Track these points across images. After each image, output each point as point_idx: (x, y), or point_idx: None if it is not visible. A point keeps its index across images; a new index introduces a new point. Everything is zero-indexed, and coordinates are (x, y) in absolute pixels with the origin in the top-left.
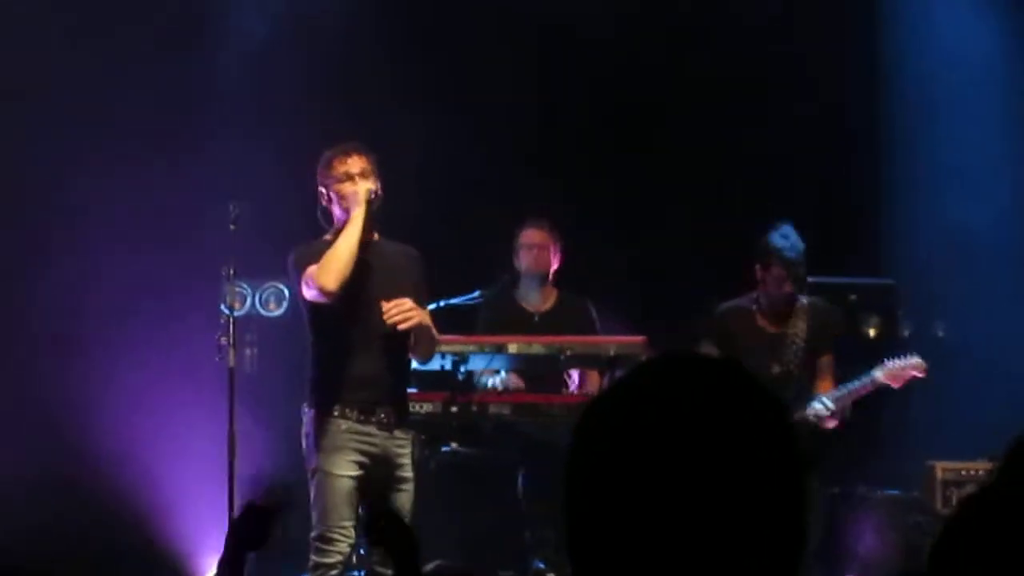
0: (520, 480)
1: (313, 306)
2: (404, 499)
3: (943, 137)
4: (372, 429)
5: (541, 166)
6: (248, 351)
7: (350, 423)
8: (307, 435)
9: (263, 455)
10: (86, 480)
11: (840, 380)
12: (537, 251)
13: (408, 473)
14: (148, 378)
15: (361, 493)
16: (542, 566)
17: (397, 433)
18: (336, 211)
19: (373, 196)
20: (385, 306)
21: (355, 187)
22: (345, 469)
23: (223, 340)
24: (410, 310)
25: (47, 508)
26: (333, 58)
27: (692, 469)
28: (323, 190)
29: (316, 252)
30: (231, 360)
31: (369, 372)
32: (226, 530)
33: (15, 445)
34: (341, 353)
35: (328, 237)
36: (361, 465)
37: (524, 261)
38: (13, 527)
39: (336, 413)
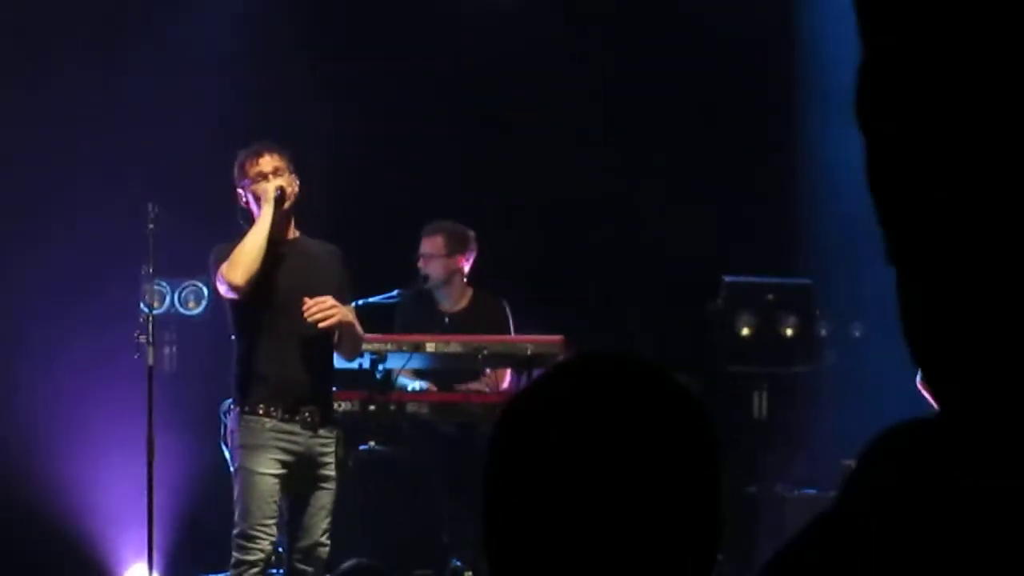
0: (438, 479)
1: (235, 304)
2: (326, 497)
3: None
4: (296, 428)
5: (465, 159)
6: (167, 349)
7: (274, 421)
8: (231, 432)
9: (182, 454)
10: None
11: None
12: (427, 259)
13: (331, 472)
14: (65, 376)
15: (284, 491)
16: (460, 564)
17: (321, 432)
18: (255, 210)
19: (280, 193)
20: (306, 303)
21: (264, 186)
22: (268, 467)
23: (142, 338)
24: (331, 308)
25: None
26: (247, 53)
27: (610, 469)
28: (240, 191)
29: (225, 253)
30: (150, 358)
31: (292, 371)
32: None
33: None
34: (264, 352)
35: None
36: (284, 463)
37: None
38: None
39: (260, 411)
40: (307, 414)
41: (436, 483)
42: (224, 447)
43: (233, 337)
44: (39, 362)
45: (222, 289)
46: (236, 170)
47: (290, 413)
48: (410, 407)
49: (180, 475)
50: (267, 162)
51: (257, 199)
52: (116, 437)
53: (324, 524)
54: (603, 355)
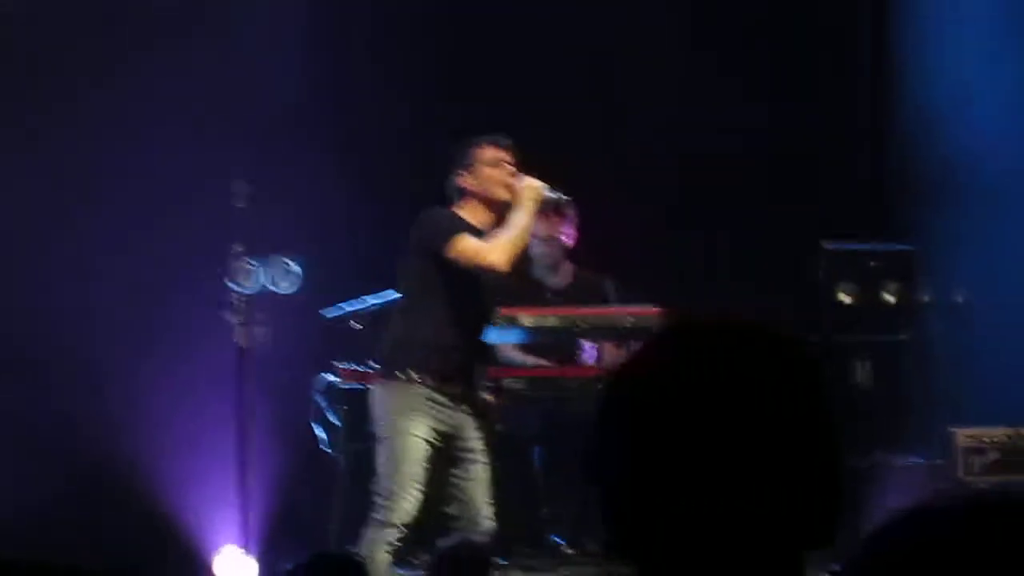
0: (536, 455)
1: (435, 271)
2: (480, 470)
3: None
4: (445, 399)
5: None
6: (259, 329)
7: (429, 390)
8: (378, 398)
9: (274, 435)
10: (93, 461)
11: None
12: (546, 243)
13: (480, 445)
14: (156, 359)
15: (435, 464)
16: (559, 541)
17: (466, 405)
18: (475, 191)
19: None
20: None
21: (502, 173)
22: (418, 430)
23: (231, 318)
24: None
25: (51, 488)
26: (337, 32)
27: (725, 433)
28: (467, 172)
29: (462, 225)
30: (241, 339)
31: (455, 342)
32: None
33: (26, 428)
34: (435, 319)
35: (459, 212)
36: (435, 431)
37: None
38: (20, 508)
39: (415, 377)
40: (457, 385)
41: (534, 459)
42: (315, 426)
43: (403, 299)
44: (132, 345)
45: (464, 262)
46: (473, 153)
47: (442, 382)
48: (506, 382)
49: (273, 457)
50: (513, 156)
51: (495, 184)
52: (208, 418)
53: (484, 497)
54: (706, 320)
